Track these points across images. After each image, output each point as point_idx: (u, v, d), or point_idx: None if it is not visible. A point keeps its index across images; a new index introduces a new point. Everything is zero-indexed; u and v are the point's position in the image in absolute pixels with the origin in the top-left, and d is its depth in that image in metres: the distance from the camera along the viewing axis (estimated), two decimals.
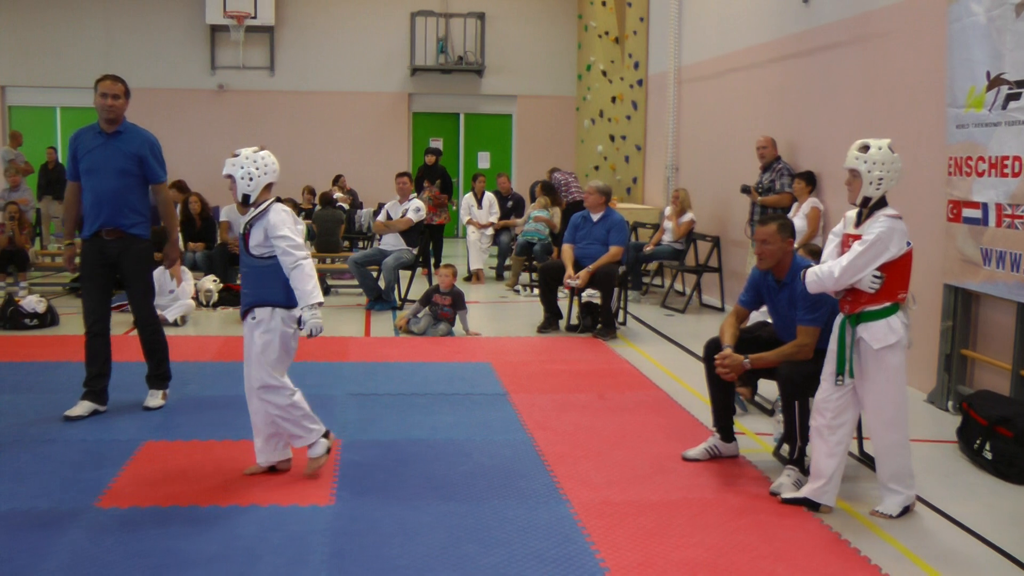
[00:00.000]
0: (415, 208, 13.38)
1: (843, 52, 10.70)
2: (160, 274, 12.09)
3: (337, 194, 18.20)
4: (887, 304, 5.68)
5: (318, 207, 16.79)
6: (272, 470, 6.47)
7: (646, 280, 14.89)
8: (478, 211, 16.70)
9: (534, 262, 14.73)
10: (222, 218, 14.19)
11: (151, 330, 8.03)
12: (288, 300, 6.18)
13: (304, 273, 6.11)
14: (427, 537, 5.38)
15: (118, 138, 7.67)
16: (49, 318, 11.62)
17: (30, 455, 6.71)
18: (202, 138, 22.07)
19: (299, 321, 6.14)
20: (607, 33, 19.46)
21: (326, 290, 14.43)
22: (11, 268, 14.19)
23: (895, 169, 5.71)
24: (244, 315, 6.29)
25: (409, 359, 10.09)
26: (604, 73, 19.53)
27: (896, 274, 5.68)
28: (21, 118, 22.19)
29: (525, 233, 15.11)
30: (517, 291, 14.83)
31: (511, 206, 17.03)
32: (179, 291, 12.16)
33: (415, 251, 13.40)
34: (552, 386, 8.95)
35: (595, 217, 11.50)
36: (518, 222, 16.14)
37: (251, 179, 6.21)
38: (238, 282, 13.74)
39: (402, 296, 13.42)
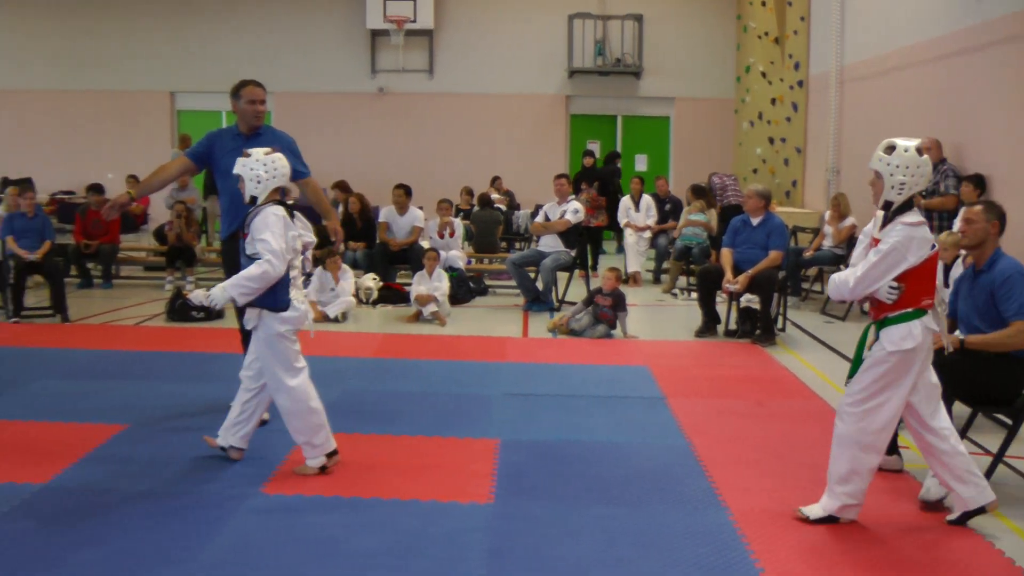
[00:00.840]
0: (573, 210, 13.40)
1: (1017, 47, 10.33)
2: (321, 272, 12.39)
3: (494, 195, 18.32)
4: (909, 310, 5.44)
5: (476, 208, 16.94)
6: (223, 453, 6.65)
7: (805, 286, 14.62)
8: (635, 214, 16.65)
9: (692, 266, 14.64)
10: (381, 218, 14.39)
11: None
12: (276, 303, 6.25)
13: (252, 275, 6.08)
14: (586, 538, 5.38)
15: (257, 141, 7.57)
16: (215, 311, 11.97)
17: (199, 442, 6.90)
18: (363, 140, 22.48)
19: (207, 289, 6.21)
20: (767, 33, 19.24)
21: (483, 290, 14.57)
22: (179, 263, 14.72)
23: (920, 173, 5.42)
24: (241, 314, 6.45)
25: (567, 360, 10.11)
26: (763, 74, 19.31)
27: (918, 281, 5.44)
28: (189, 121, 22.95)
29: (683, 237, 15.04)
30: (675, 295, 14.74)
31: (669, 209, 16.94)
32: (339, 288, 12.41)
33: (573, 253, 13.42)
34: (710, 391, 8.87)
35: (755, 221, 11.34)
36: (676, 225, 16.03)
37: (259, 182, 6.29)
38: (398, 280, 14.10)
39: (559, 297, 13.44)
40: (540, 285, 13.31)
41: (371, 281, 13.51)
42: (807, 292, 14.49)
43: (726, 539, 5.40)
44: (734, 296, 11.33)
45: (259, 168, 6.29)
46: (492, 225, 16.24)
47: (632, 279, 15.79)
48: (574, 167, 21.15)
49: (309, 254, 6.87)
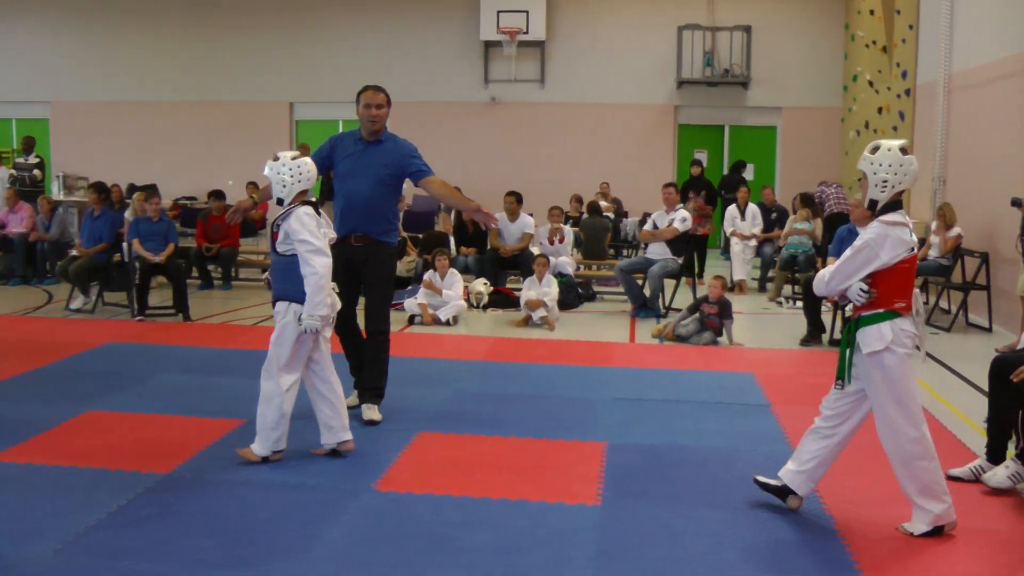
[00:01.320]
0: (681, 218, 13.49)
1: None
2: (432, 276, 12.66)
3: (601, 202, 18.45)
4: (880, 311, 5.49)
5: (585, 215, 17.09)
6: (335, 454, 6.87)
7: None
8: (741, 222, 16.68)
9: (797, 274, 14.64)
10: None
11: (380, 339, 7.89)
12: (304, 296, 6.52)
13: (314, 285, 6.42)
14: (691, 542, 5.43)
15: (378, 147, 7.69)
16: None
17: (313, 437, 7.08)
18: (475, 148, 22.75)
19: (299, 318, 6.48)
20: (874, 42, 19.05)
21: (592, 296, 14.74)
22: None
23: (904, 172, 5.50)
24: (273, 306, 6.73)
25: (673, 366, 10.16)
26: (871, 83, 19.13)
27: (891, 282, 5.48)
28: (307, 131, 23.46)
29: (788, 246, 15.04)
30: (780, 303, 14.75)
31: (775, 218, 16.92)
32: (446, 294, 12.67)
33: (680, 260, 13.52)
34: (815, 399, 8.51)
35: (861, 231, 11.31)
36: (781, 234, 16.03)
37: (284, 185, 6.58)
38: (508, 285, 14.32)
39: (666, 304, 13.55)
40: (647, 292, 13.44)
41: (482, 286, 13.74)
42: None
43: (830, 548, 5.39)
44: (839, 305, 11.31)
45: (285, 173, 6.58)
46: (601, 232, 16.37)
47: (738, 287, 15.84)
48: (682, 176, 21.19)
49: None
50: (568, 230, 15.32)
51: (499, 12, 21.93)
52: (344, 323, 7.87)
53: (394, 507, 5.91)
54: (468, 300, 13.35)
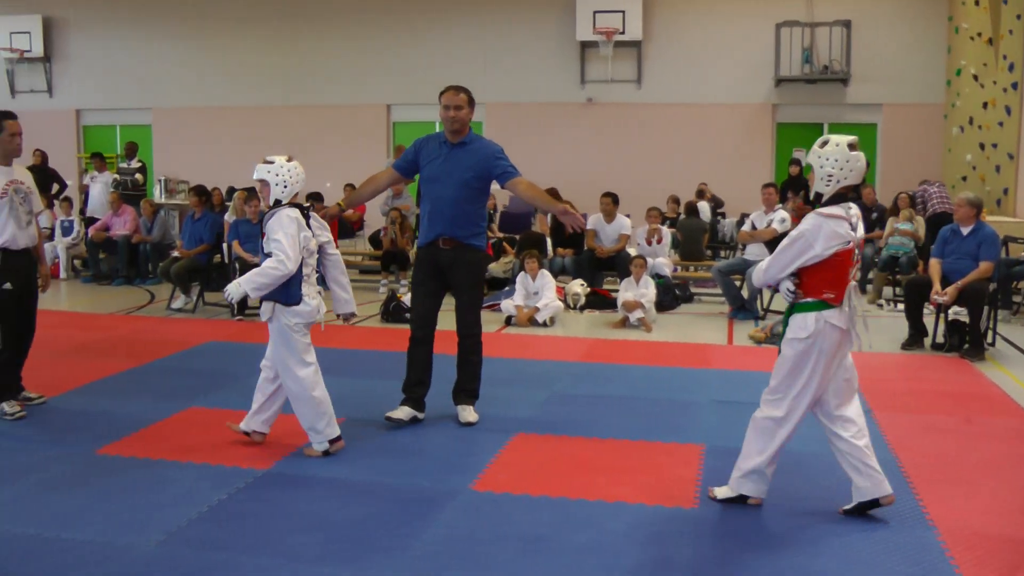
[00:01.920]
0: (780, 219, 13.36)
1: None
2: (523, 278, 12.69)
3: (699, 203, 18.33)
4: (810, 300, 5.60)
5: (683, 216, 17.01)
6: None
7: (1017, 299, 14.12)
8: None
9: (898, 276, 14.41)
10: (589, 226, 14.53)
11: (471, 342, 7.89)
12: (288, 298, 6.69)
13: (264, 271, 6.56)
14: (788, 549, 5.38)
15: (462, 149, 7.59)
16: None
17: (411, 437, 7.28)
18: (572, 149, 22.67)
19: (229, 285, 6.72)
20: (979, 34, 18.59)
21: (689, 298, 14.64)
22: (393, 267, 15.22)
23: (850, 168, 5.58)
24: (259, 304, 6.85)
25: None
26: (975, 77, 18.71)
27: (821, 273, 5.58)
28: (404, 132, 23.60)
29: (889, 247, 14.80)
30: (880, 306, 14.53)
31: (875, 218, 16.68)
32: (541, 293, 12.68)
33: None
34: (916, 406, 8.65)
35: (965, 230, 11.08)
36: (882, 235, 15.79)
37: (285, 186, 6.73)
38: (605, 287, 14.31)
39: (764, 306, 13.43)
40: (745, 293, 13.34)
41: (579, 287, 13.75)
42: (1019, 305, 14.00)
43: (933, 559, 5.27)
44: (942, 308, 11.11)
45: (284, 174, 6.74)
46: (698, 233, 16.28)
47: None
48: (780, 176, 20.98)
49: (331, 248, 7.22)
50: (666, 231, 15.26)
51: (595, 12, 21.86)
52: (421, 328, 7.88)
53: (491, 507, 5.94)
54: (565, 301, 13.36)
